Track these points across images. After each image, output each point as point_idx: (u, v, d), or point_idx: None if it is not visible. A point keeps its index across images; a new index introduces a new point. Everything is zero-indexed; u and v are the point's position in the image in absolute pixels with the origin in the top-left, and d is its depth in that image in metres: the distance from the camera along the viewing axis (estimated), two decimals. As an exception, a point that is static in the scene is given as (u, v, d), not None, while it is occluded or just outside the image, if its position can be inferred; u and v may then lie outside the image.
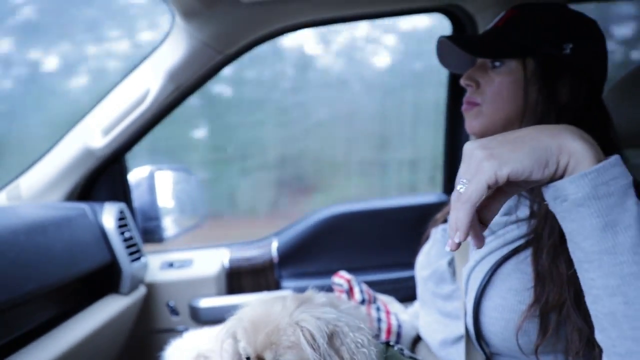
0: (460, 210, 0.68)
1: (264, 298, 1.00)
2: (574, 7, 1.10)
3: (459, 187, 0.70)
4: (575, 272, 0.72)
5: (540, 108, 1.02)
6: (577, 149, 0.66)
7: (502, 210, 1.10)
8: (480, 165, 0.67)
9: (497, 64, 1.07)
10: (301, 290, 2.03)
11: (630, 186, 0.64)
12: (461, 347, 1.13)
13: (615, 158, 0.65)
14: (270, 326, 0.90)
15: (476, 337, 1.05)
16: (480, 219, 0.73)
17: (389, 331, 1.37)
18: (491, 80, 1.08)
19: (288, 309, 0.93)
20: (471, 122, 1.12)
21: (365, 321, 0.99)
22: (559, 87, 1.03)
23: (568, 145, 0.66)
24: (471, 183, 0.67)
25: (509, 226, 1.07)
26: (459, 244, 0.69)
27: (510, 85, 1.05)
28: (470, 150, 0.70)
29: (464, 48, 1.07)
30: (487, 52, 1.06)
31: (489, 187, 0.66)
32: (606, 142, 1.03)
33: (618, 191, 0.62)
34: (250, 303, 1.00)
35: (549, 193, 0.68)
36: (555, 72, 1.03)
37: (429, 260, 1.31)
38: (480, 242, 0.73)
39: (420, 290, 1.35)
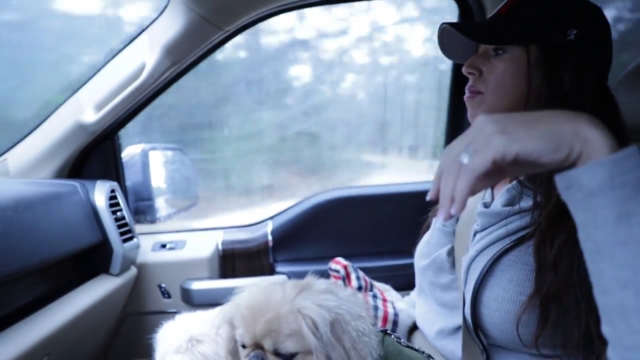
0: (461, 180, 0.66)
1: (261, 284, 0.98)
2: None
3: (464, 157, 0.67)
4: (578, 264, 0.70)
5: (544, 95, 1.00)
6: (593, 137, 0.64)
7: (505, 200, 1.09)
8: (490, 139, 0.65)
9: (500, 51, 1.05)
10: (295, 275, 2.01)
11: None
12: (458, 338, 1.11)
13: (632, 149, 0.62)
14: (270, 313, 0.87)
15: (474, 328, 1.04)
16: None
17: (385, 319, 1.35)
18: (494, 67, 1.05)
19: (288, 296, 0.90)
20: (474, 111, 1.10)
21: (364, 309, 0.97)
22: (563, 74, 1.00)
23: (584, 132, 0.64)
24: (477, 155, 0.65)
25: (511, 217, 1.05)
26: (451, 216, 0.67)
27: (513, 73, 1.03)
28: (482, 122, 0.68)
29: (466, 34, 1.03)
30: (489, 38, 1.04)
31: (494, 163, 0.64)
32: (614, 132, 1.01)
33: (634, 182, 0.60)
34: (248, 288, 0.97)
35: (562, 182, 0.66)
36: (559, 59, 1.00)
37: (429, 249, 1.29)
38: (448, 216, 0.70)
39: (418, 279, 1.33)
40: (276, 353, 0.87)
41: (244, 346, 0.91)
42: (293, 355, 0.87)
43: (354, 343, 0.87)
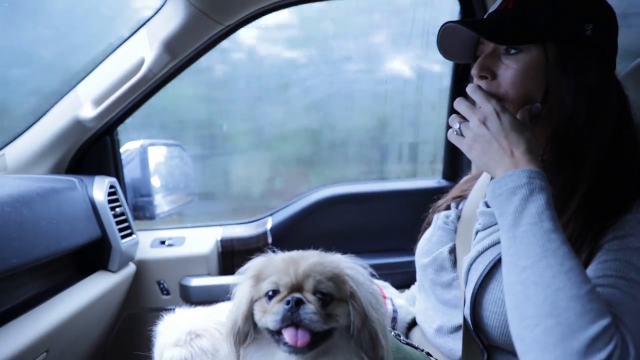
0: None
1: None
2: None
3: (455, 123, 1.00)
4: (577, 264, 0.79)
5: (569, 96, 0.97)
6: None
7: None
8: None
9: (513, 50, 1.00)
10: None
11: (519, 188, 0.85)
12: (458, 337, 1.10)
13: (512, 172, 0.87)
14: (312, 259, 0.92)
15: (474, 328, 1.03)
16: None
17: (384, 316, 1.35)
18: (508, 68, 1.00)
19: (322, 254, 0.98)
20: None
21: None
22: (586, 72, 0.98)
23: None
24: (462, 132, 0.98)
25: None
26: None
27: (531, 73, 0.99)
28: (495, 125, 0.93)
29: (481, 33, 0.99)
30: (506, 38, 0.99)
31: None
32: (629, 125, 1.00)
33: (506, 192, 0.87)
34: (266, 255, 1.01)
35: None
36: (580, 57, 0.98)
37: (430, 247, 1.28)
38: None
39: (419, 277, 1.32)
40: (315, 294, 0.90)
41: (271, 296, 0.91)
42: (330, 299, 0.90)
43: (378, 306, 0.94)
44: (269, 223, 2.18)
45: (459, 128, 0.98)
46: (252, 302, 0.95)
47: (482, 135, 0.92)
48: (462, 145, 0.98)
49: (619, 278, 0.83)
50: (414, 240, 1.38)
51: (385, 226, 2.18)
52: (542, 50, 0.98)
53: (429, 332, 1.22)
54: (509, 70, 1.00)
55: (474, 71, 1.05)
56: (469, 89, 0.98)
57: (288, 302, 0.86)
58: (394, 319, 1.36)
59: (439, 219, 1.30)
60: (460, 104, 0.98)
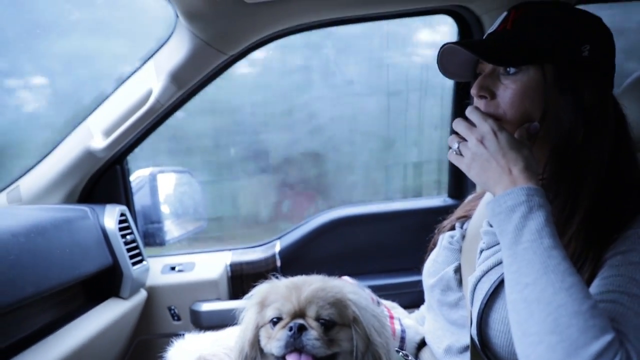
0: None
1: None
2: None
3: (454, 143, 1.02)
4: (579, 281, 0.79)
5: (567, 115, 0.99)
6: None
7: None
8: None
9: (512, 70, 1.02)
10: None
11: (518, 205, 0.86)
12: (467, 356, 1.10)
13: (510, 190, 0.89)
14: (315, 284, 0.94)
15: (482, 347, 1.03)
16: None
17: (392, 336, 1.34)
18: (507, 88, 1.02)
19: (326, 279, 1.00)
20: None
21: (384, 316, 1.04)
22: (583, 92, 1.00)
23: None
24: (460, 152, 1.01)
25: None
26: None
27: (529, 94, 1.01)
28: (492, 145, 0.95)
29: (481, 55, 1.02)
30: (505, 58, 1.01)
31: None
32: (628, 141, 1.01)
33: (505, 210, 0.88)
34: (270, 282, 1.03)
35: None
36: (577, 77, 1.00)
37: (436, 267, 1.28)
38: None
39: (427, 297, 1.32)
40: (317, 320, 0.91)
41: (275, 322, 0.93)
42: (332, 324, 0.92)
43: (382, 329, 0.97)
44: (277, 246, 2.19)
45: (458, 148, 1.00)
46: (257, 329, 0.96)
47: (480, 154, 0.94)
48: (461, 164, 0.99)
49: (621, 293, 0.83)
50: (422, 259, 1.38)
51: (393, 246, 2.18)
52: (540, 71, 1.00)
53: (438, 353, 1.22)
54: (507, 91, 1.02)
55: (473, 91, 1.07)
56: (467, 111, 1.00)
57: (291, 329, 0.89)
58: (402, 339, 1.35)
59: (444, 239, 1.31)
60: (458, 125, 1.00)
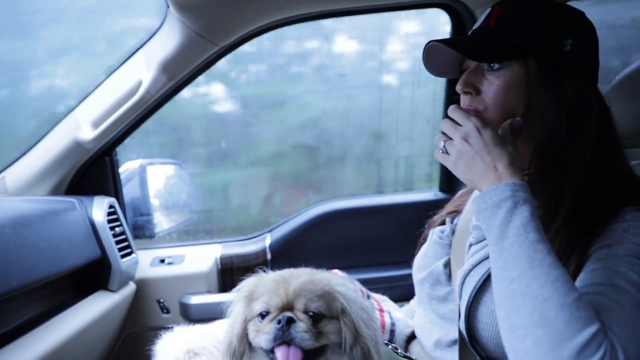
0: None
1: None
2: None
3: (441, 142, 1.00)
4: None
5: (550, 110, 0.99)
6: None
7: None
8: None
9: (496, 66, 1.03)
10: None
11: (503, 201, 0.87)
12: (456, 350, 1.11)
13: (495, 186, 0.89)
14: (303, 277, 0.94)
15: (470, 341, 1.04)
16: None
17: (382, 329, 1.35)
18: (491, 84, 1.03)
19: (313, 271, 1.00)
20: None
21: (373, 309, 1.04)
22: (566, 86, 1.00)
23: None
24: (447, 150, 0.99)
25: None
26: None
27: (513, 89, 1.01)
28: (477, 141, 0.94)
29: (463, 52, 1.03)
30: (487, 56, 1.02)
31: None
32: (612, 136, 1.02)
33: (491, 206, 0.88)
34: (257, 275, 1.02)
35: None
36: (560, 71, 1.00)
37: (426, 262, 1.29)
38: None
39: (417, 291, 1.33)
40: (306, 313, 0.91)
41: (264, 315, 0.93)
42: (320, 317, 0.92)
43: (370, 321, 0.97)
44: (267, 239, 2.19)
45: (444, 146, 1.00)
46: (245, 322, 0.96)
47: (465, 152, 0.95)
48: (447, 162, 1.00)
49: (606, 285, 0.84)
50: (412, 253, 1.39)
51: (384, 240, 2.18)
52: (523, 66, 1.01)
53: (427, 346, 1.23)
54: (492, 86, 1.03)
55: (458, 87, 1.08)
56: (450, 110, 1.01)
57: (279, 322, 0.88)
58: (392, 332, 1.36)
59: (434, 234, 1.31)
60: (444, 124, 1.01)
